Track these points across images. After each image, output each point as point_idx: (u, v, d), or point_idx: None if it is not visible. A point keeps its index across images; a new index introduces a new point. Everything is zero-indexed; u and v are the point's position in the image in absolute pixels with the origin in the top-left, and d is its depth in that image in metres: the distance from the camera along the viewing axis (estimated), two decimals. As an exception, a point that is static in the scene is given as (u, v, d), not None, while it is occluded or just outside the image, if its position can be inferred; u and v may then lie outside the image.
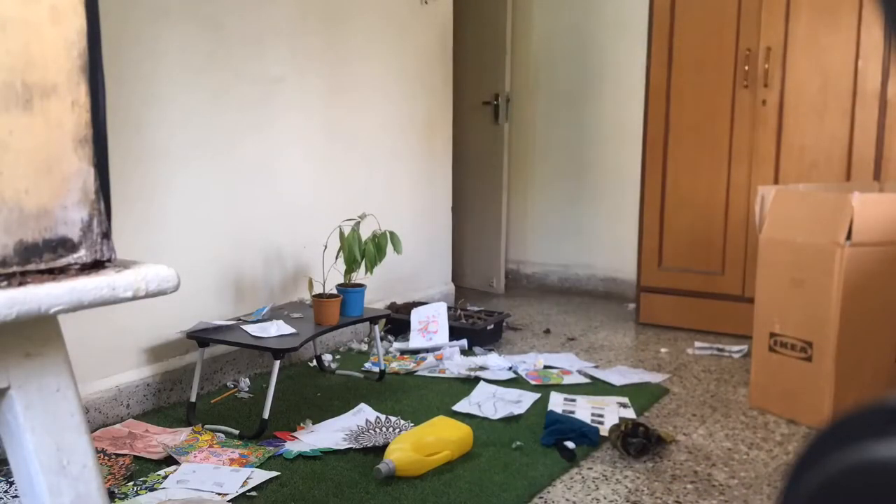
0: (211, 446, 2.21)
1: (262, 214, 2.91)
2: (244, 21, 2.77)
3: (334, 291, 2.68)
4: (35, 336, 0.75)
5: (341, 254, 2.72)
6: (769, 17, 3.25)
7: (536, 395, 2.64)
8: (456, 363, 2.98)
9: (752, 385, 2.61)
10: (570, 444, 2.19)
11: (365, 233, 2.89)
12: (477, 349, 3.22)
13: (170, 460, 2.13)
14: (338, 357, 3.14)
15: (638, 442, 2.14)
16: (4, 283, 0.67)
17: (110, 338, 2.40)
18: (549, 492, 1.97)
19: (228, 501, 1.89)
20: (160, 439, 2.26)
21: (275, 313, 2.69)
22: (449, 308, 3.54)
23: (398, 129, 3.64)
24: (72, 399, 0.78)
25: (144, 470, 2.07)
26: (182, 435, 2.29)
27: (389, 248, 2.91)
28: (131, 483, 1.98)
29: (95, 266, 0.74)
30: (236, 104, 2.77)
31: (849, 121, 3.14)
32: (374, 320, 2.78)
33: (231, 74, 2.74)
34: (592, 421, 2.39)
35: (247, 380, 2.79)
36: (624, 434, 2.16)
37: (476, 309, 3.61)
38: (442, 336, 3.20)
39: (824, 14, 3.15)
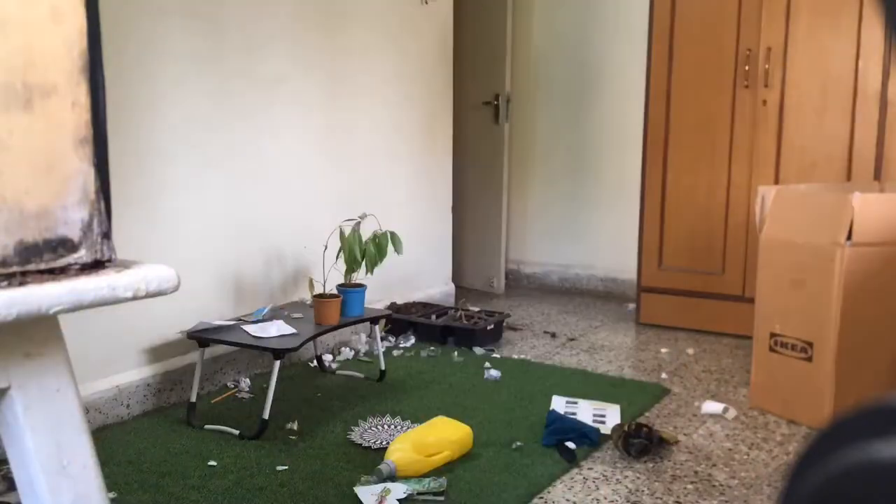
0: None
1: (263, 214, 2.91)
2: (245, 21, 2.77)
3: (335, 291, 2.68)
4: (35, 336, 0.75)
5: (342, 254, 2.72)
6: (769, 18, 3.25)
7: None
8: None
9: (753, 385, 2.61)
10: (570, 445, 2.19)
11: (365, 233, 2.89)
12: (477, 349, 3.22)
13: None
14: (338, 357, 3.14)
15: (639, 443, 2.14)
16: (5, 283, 0.67)
17: (110, 338, 2.40)
18: (549, 492, 1.96)
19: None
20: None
21: (275, 313, 2.69)
22: (449, 308, 3.54)
23: (399, 128, 3.64)
24: (72, 399, 0.78)
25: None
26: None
27: (390, 248, 2.91)
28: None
29: (96, 266, 0.74)
30: (237, 104, 2.77)
31: (849, 121, 3.14)
32: (374, 320, 2.78)
33: (232, 75, 2.74)
34: (594, 421, 2.39)
35: (247, 380, 2.79)
36: (626, 434, 2.16)
37: (476, 309, 3.61)
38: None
39: (824, 14, 3.15)
